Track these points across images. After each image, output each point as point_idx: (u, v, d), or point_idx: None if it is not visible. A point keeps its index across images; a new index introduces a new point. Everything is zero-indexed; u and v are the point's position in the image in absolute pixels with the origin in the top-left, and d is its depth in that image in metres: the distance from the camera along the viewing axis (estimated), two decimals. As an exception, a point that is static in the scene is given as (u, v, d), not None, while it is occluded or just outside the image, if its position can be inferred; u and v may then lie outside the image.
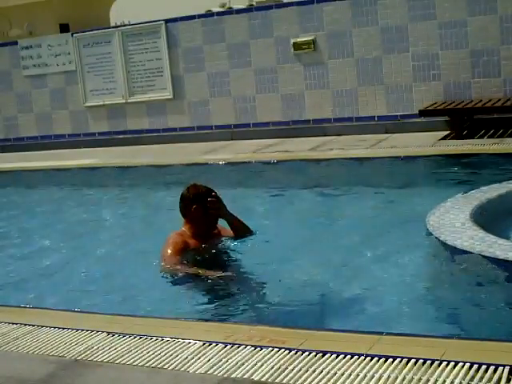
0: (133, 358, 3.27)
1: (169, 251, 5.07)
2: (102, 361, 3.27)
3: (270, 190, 8.02)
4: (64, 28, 14.72)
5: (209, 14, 11.96)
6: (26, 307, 4.42)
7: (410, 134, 9.86)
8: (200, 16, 11.76)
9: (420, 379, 2.79)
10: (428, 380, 2.78)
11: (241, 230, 5.40)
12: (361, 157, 8.60)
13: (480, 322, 3.83)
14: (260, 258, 5.22)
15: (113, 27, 13.12)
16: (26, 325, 3.85)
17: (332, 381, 2.86)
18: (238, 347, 3.27)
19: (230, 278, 4.79)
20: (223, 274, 4.80)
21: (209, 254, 5.19)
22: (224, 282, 4.73)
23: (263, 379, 2.93)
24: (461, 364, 2.86)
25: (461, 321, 3.93)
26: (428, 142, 8.90)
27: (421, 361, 2.93)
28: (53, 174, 10.33)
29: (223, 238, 5.39)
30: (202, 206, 5.17)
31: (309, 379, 2.89)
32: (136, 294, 4.87)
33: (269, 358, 3.11)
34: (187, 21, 11.73)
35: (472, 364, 2.85)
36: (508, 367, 2.79)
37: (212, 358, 3.18)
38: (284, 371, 2.98)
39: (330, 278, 4.79)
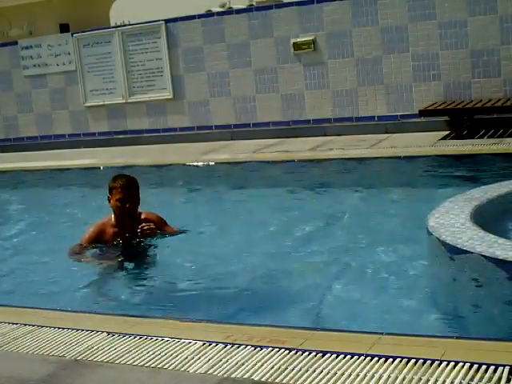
0: (133, 357, 3.26)
1: (82, 238, 5.54)
2: (102, 361, 3.26)
3: (269, 190, 8.02)
4: (64, 28, 14.72)
5: (209, 14, 11.96)
6: (25, 307, 4.41)
7: (409, 134, 9.86)
8: (200, 16, 11.76)
9: (420, 379, 2.79)
10: (428, 380, 2.78)
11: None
12: (361, 157, 8.60)
13: (480, 322, 3.83)
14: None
15: (113, 27, 13.12)
16: (25, 325, 3.85)
17: (332, 381, 2.86)
18: (238, 347, 3.26)
19: (113, 266, 5.28)
20: (110, 263, 5.29)
21: (121, 247, 5.46)
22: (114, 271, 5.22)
23: (263, 379, 2.93)
24: (461, 364, 2.86)
25: (461, 321, 3.93)
26: (428, 142, 8.90)
27: (421, 361, 2.93)
28: (53, 174, 10.32)
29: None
30: (112, 197, 5.46)
31: (309, 379, 2.89)
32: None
33: (269, 358, 3.11)
34: (187, 21, 11.73)
35: (472, 364, 2.85)
36: (508, 367, 2.79)
37: (212, 357, 3.18)
38: (284, 371, 2.98)
39: (329, 278, 4.79)
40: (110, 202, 5.51)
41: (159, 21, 11.96)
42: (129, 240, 5.47)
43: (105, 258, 5.39)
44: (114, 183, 5.47)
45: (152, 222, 5.48)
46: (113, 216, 5.54)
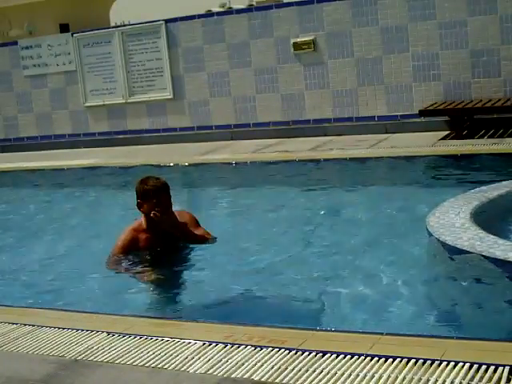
0: (133, 358, 3.26)
1: (115, 248, 5.17)
2: (101, 361, 3.27)
3: (269, 190, 8.02)
4: (64, 28, 14.73)
5: (209, 14, 11.96)
6: (25, 307, 4.41)
7: (409, 134, 9.86)
8: (200, 16, 11.76)
9: (420, 379, 2.79)
10: (428, 380, 2.78)
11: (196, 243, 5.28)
12: (361, 157, 8.60)
13: (480, 322, 3.83)
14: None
15: (113, 27, 13.13)
16: (25, 325, 3.85)
17: (332, 381, 2.86)
18: (238, 347, 3.26)
19: (158, 280, 4.91)
20: (153, 277, 4.93)
21: (154, 255, 5.16)
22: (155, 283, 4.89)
23: (263, 379, 2.93)
24: (461, 364, 2.86)
25: (461, 321, 3.94)
26: (428, 142, 8.90)
27: (421, 361, 2.93)
28: (53, 174, 10.32)
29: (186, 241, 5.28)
30: (145, 203, 5.05)
31: (309, 379, 2.89)
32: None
33: (269, 358, 3.11)
34: (187, 21, 11.73)
35: (472, 364, 2.85)
36: (508, 367, 2.79)
37: (212, 357, 3.18)
38: (284, 371, 2.98)
39: (329, 278, 4.79)
40: (141, 207, 5.06)
41: (159, 21, 11.96)
42: (161, 246, 5.16)
43: (143, 271, 5.05)
44: (150, 186, 5.02)
45: (184, 222, 5.16)
46: (143, 220, 5.14)
